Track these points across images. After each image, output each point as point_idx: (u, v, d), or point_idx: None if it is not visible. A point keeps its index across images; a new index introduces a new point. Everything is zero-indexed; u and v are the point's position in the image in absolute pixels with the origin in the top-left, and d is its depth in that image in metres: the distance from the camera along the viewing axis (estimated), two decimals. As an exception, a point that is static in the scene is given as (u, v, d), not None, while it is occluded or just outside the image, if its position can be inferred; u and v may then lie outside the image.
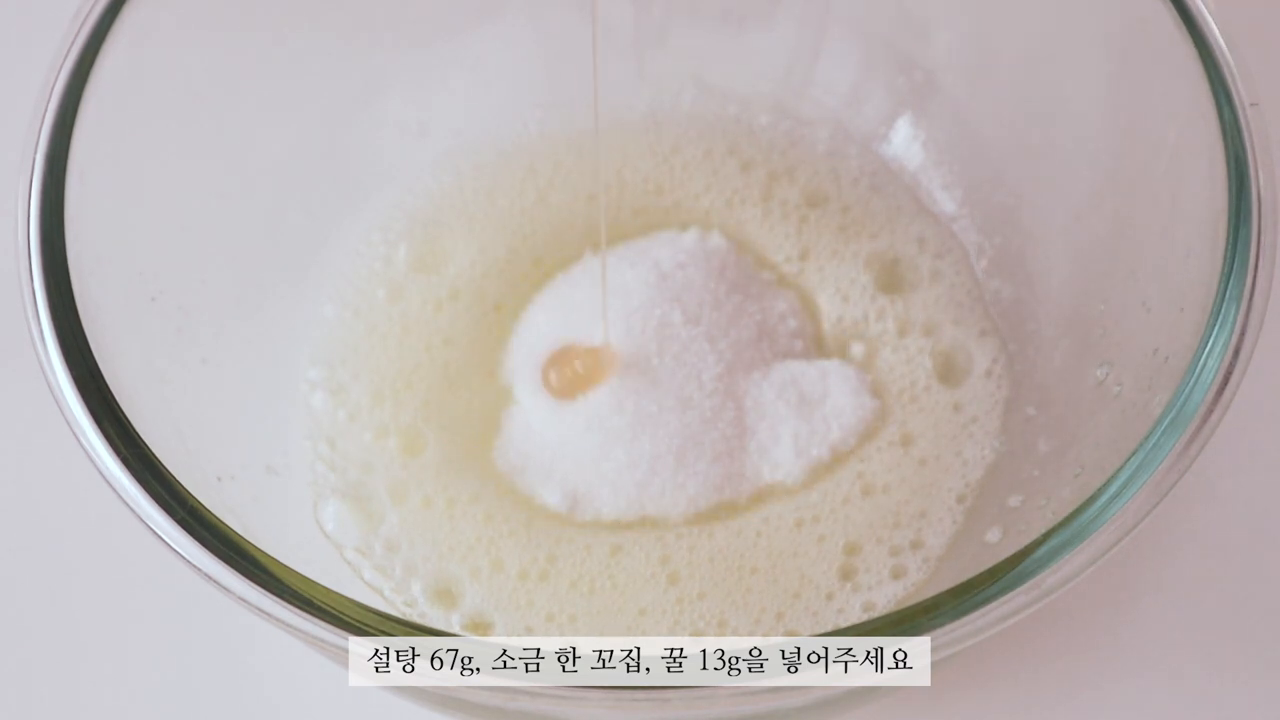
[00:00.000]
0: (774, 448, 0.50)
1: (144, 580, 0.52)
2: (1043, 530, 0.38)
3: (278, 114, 0.52)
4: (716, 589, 0.48)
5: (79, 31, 0.44)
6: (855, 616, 0.48)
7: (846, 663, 0.36)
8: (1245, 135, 0.43)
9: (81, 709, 0.51)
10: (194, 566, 0.38)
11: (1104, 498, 0.39)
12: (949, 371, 0.52)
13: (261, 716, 0.51)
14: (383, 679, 0.40)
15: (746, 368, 0.51)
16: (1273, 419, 0.54)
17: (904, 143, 0.56)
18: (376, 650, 0.37)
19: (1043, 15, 0.52)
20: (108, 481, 0.39)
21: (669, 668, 0.36)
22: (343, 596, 0.38)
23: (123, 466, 0.39)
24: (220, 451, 0.46)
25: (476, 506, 0.50)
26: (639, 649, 0.47)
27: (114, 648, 0.52)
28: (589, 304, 0.52)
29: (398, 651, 0.36)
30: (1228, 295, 0.41)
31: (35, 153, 0.43)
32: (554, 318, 0.53)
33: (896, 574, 0.49)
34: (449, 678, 0.36)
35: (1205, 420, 0.39)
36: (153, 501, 0.39)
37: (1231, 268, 0.41)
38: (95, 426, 0.39)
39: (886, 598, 0.48)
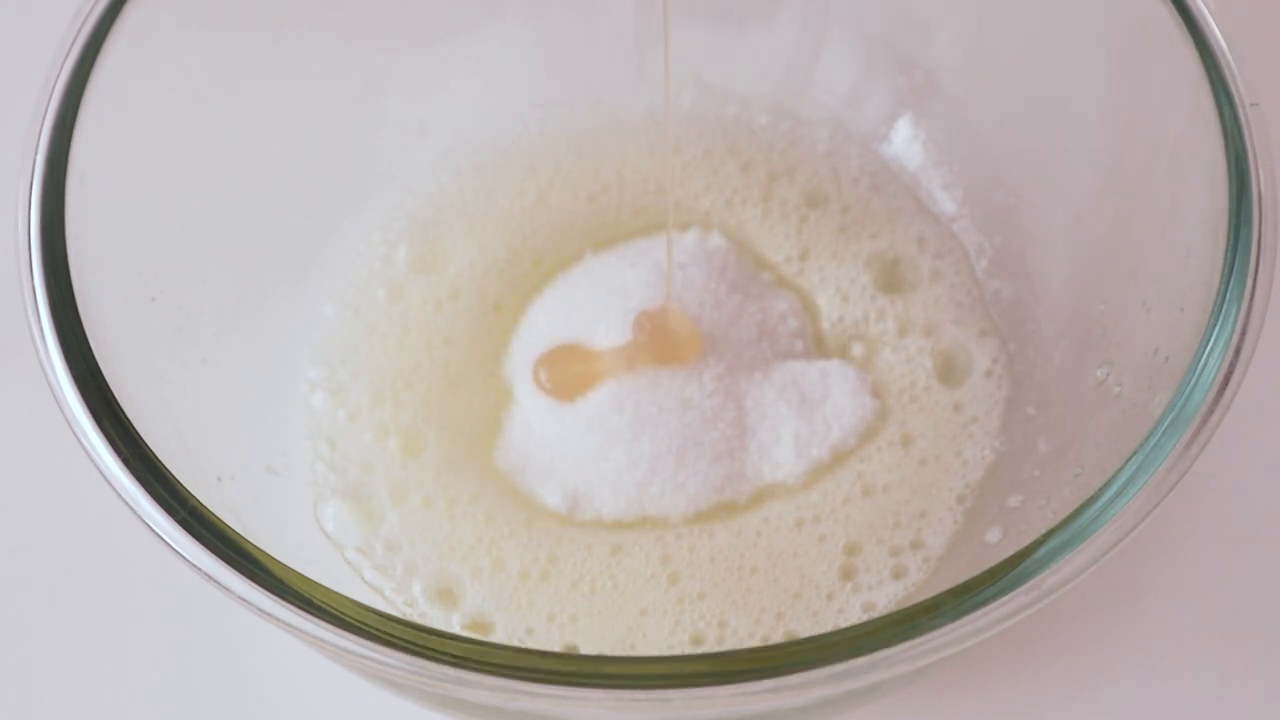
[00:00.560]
0: (774, 448, 0.50)
1: (144, 580, 0.52)
2: (1043, 530, 0.38)
3: (278, 114, 0.52)
4: (717, 589, 0.48)
5: (79, 31, 0.44)
6: (855, 616, 0.48)
7: (847, 663, 0.36)
8: (1246, 135, 0.43)
9: (81, 709, 0.51)
10: (194, 566, 0.38)
11: (1104, 498, 0.39)
12: (949, 371, 0.52)
13: (261, 716, 0.51)
14: (383, 679, 0.40)
15: (747, 368, 0.51)
16: (1273, 419, 0.54)
17: (904, 143, 0.56)
18: (376, 650, 0.37)
19: (1043, 15, 0.52)
20: (108, 481, 0.39)
21: (669, 668, 0.36)
22: (343, 596, 0.38)
23: (123, 466, 0.39)
24: (220, 451, 0.46)
25: (477, 506, 0.50)
26: (639, 649, 0.47)
27: (114, 648, 0.52)
28: (589, 304, 0.52)
29: (398, 651, 0.36)
30: (1228, 295, 0.41)
31: (35, 153, 0.43)
32: (554, 318, 0.53)
33: (897, 574, 0.49)
34: (449, 677, 0.36)
35: (1205, 420, 0.39)
36: (153, 501, 0.39)
37: (1232, 268, 0.41)
38: (95, 426, 0.39)
39: (887, 598, 0.48)
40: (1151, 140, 0.47)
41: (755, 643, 0.47)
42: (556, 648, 0.47)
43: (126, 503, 0.39)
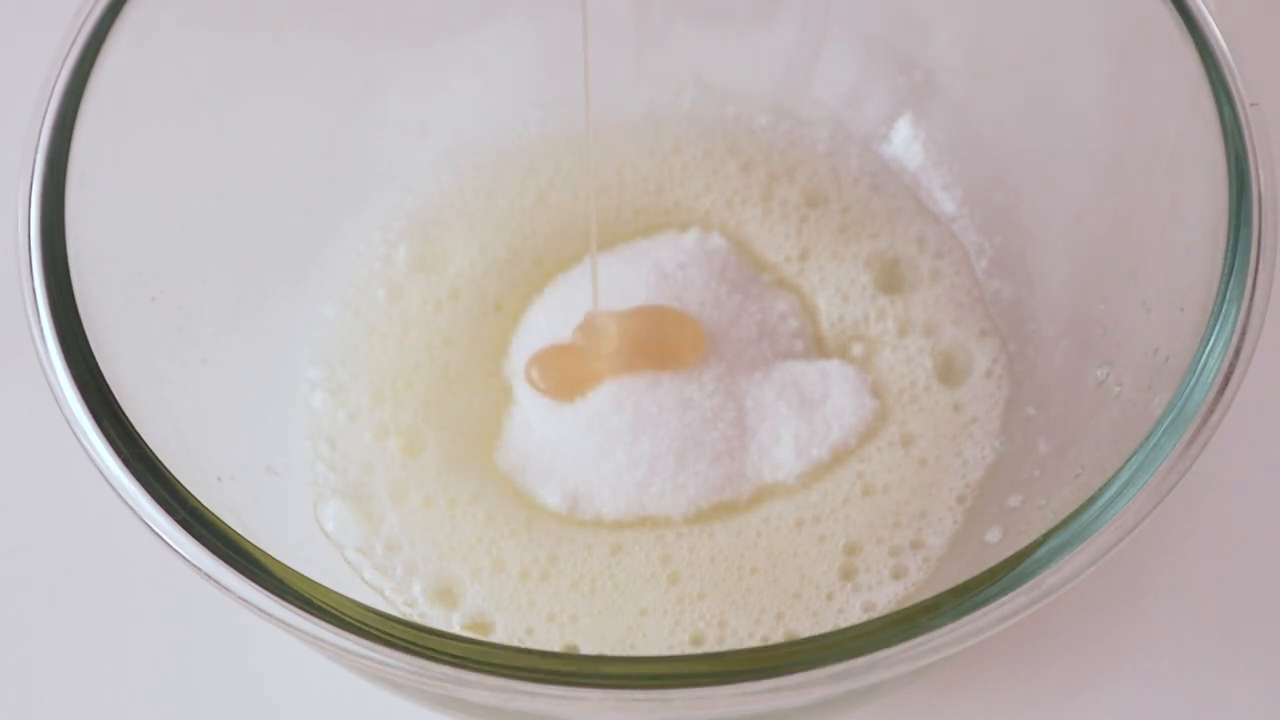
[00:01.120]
0: (774, 448, 0.50)
1: (144, 580, 0.52)
2: (1043, 530, 0.38)
3: (278, 114, 0.52)
4: (717, 589, 0.48)
5: (79, 31, 0.44)
6: (855, 616, 0.48)
7: (847, 663, 0.36)
8: (1246, 135, 0.43)
9: (81, 709, 0.51)
10: (194, 566, 0.38)
11: (1104, 498, 0.39)
12: (949, 371, 0.52)
13: (261, 716, 0.51)
14: (383, 679, 0.40)
15: (747, 368, 0.51)
16: (1273, 419, 0.54)
17: (904, 143, 0.56)
18: (376, 650, 0.37)
19: (1043, 15, 0.52)
20: (108, 481, 0.39)
21: (669, 668, 0.36)
22: (343, 596, 0.38)
23: (123, 466, 0.39)
24: (220, 451, 0.46)
25: (477, 506, 0.50)
26: (639, 649, 0.47)
27: (114, 648, 0.52)
28: (589, 304, 0.52)
29: (398, 651, 0.36)
30: (1228, 295, 0.41)
31: (35, 153, 0.43)
32: (554, 318, 0.52)
33: (897, 574, 0.49)
34: (449, 677, 0.36)
35: (1206, 420, 0.39)
36: (153, 501, 0.39)
37: (1232, 268, 0.41)
38: (95, 426, 0.39)
39: (887, 598, 0.48)
40: (1151, 140, 0.47)
41: (755, 643, 0.47)
42: (556, 648, 0.47)
43: (126, 503, 0.39)
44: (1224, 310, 0.40)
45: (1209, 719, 0.50)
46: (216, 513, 0.39)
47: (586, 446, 0.50)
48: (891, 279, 0.54)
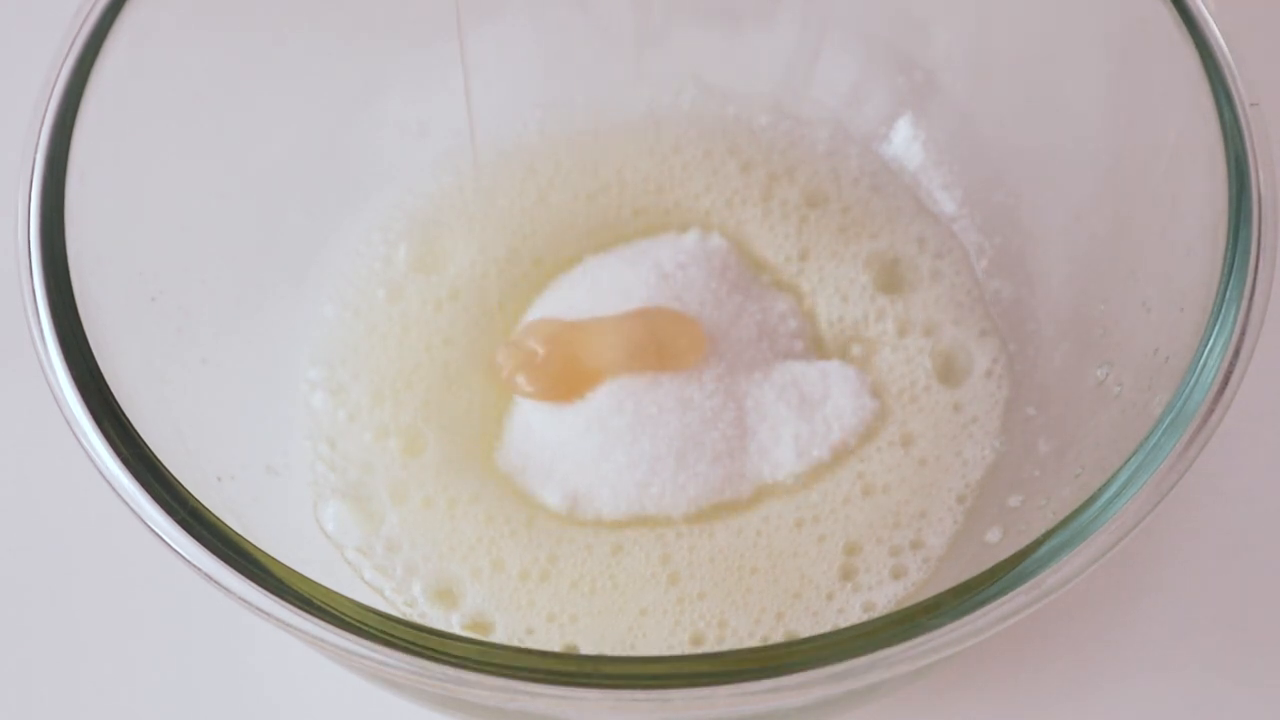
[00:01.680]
0: (774, 448, 0.50)
1: (144, 580, 0.52)
2: (1043, 530, 0.38)
3: (277, 114, 0.52)
4: (717, 589, 0.48)
5: (79, 31, 0.44)
6: (855, 616, 0.48)
7: (847, 663, 0.36)
8: (1245, 135, 0.43)
9: (81, 709, 0.51)
10: (194, 566, 0.38)
11: (1104, 498, 0.39)
12: (949, 371, 0.52)
13: (261, 716, 0.51)
14: (383, 679, 0.40)
15: (747, 368, 0.51)
16: (1273, 419, 0.54)
17: (904, 143, 0.56)
18: (376, 650, 0.37)
19: (1043, 15, 0.52)
20: (108, 481, 0.39)
21: (669, 668, 0.36)
22: (343, 596, 0.38)
23: (123, 466, 0.39)
24: (220, 451, 0.46)
25: (477, 506, 0.50)
26: (639, 649, 0.47)
27: (114, 648, 0.52)
28: (589, 304, 0.52)
29: (398, 651, 0.36)
30: (1228, 295, 0.41)
31: (35, 153, 0.43)
32: (554, 318, 0.52)
33: (897, 574, 0.49)
34: (449, 677, 0.36)
35: (1205, 420, 0.39)
36: (153, 501, 0.39)
37: (1232, 268, 0.41)
38: (95, 426, 0.39)
39: (887, 598, 0.48)
40: (1151, 140, 0.47)
41: (755, 643, 0.47)
42: (556, 648, 0.47)
43: (126, 503, 0.39)
44: (1224, 310, 0.40)
45: (1209, 719, 0.50)
46: (216, 513, 0.39)
47: (586, 447, 0.50)
48: (891, 279, 0.54)
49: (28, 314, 0.41)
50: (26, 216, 0.42)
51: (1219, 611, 0.52)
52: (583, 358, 0.51)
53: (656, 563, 0.49)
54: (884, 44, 0.56)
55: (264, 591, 0.37)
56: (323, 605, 0.37)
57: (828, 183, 0.56)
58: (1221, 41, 0.44)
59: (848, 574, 0.49)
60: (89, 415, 0.40)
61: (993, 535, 0.47)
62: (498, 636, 0.48)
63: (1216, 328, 0.40)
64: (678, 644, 0.47)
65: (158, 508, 0.38)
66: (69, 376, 0.40)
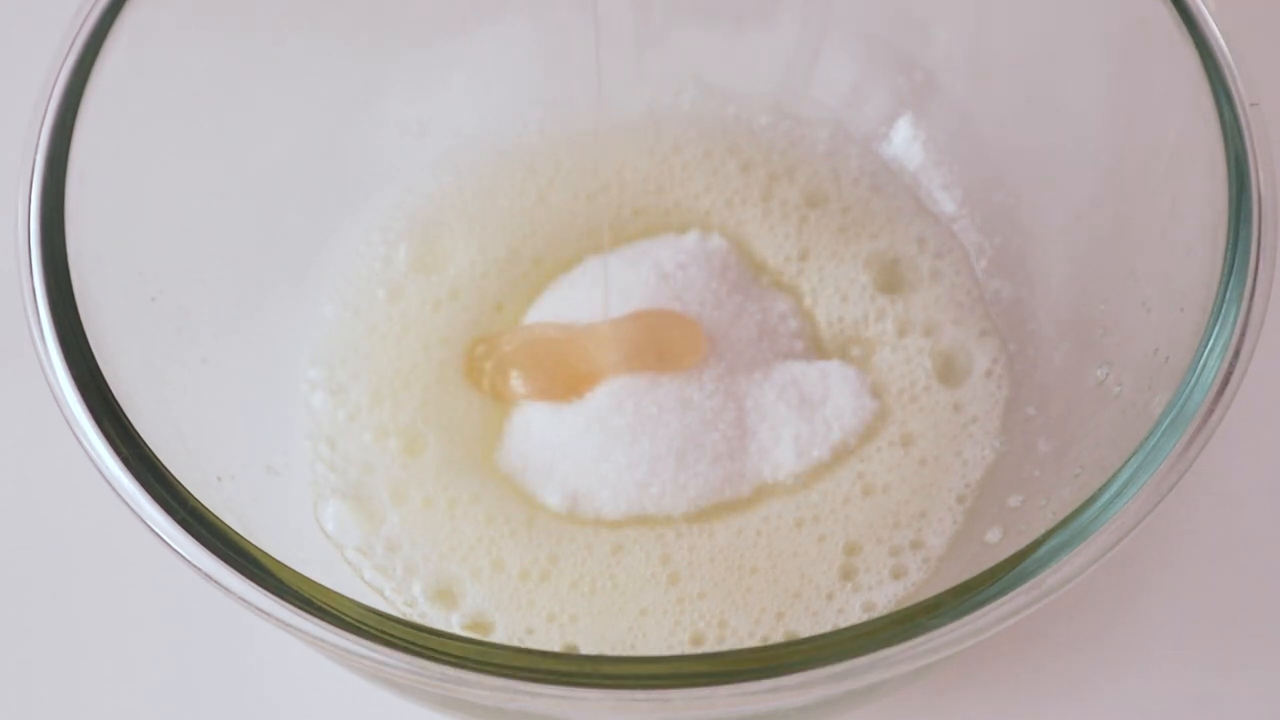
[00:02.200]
0: (774, 448, 0.50)
1: (144, 580, 0.52)
2: (1043, 530, 0.38)
3: (277, 114, 0.52)
4: (717, 589, 0.48)
5: (79, 31, 0.44)
6: (855, 616, 0.48)
7: (847, 663, 0.36)
8: (1246, 135, 0.43)
9: (81, 709, 0.51)
10: (194, 566, 0.38)
11: (1104, 498, 0.39)
12: (949, 371, 0.52)
13: (261, 716, 0.51)
14: (383, 679, 0.40)
15: (747, 368, 0.51)
16: (1273, 419, 0.54)
17: (904, 143, 0.56)
18: (376, 650, 0.37)
19: (1043, 15, 0.52)
20: (108, 481, 0.39)
21: (669, 668, 0.36)
22: (343, 596, 0.38)
23: (123, 466, 0.39)
24: (220, 451, 0.46)
25: (477, 506, 0.50)
26: (639, 649, 0.47)
27: (114, 648, 0.52)
28: (589, 304, 0.52)
29: (398, 651, 0.36)
30: (1228, 295, 0.41)
31: (35, 153, 0.43)
32: (554, 318, 0.52)
33: (897, 574, 0.49)
34: (449, 677, 0.36)
35: (1205, 420, 0.39)
36: (153, 501, 0.39)
37: (1232, 268, 0.41)
38: (95, 426, 0.39)
39: (887, 598, 0.48)
40: (1151, 140, 0.47)
41: (755, 643, 0.47)
42: (556, 648, 0.47)
43: (126, 503, 0.39)
44: (1224, 310, 0.40)
45: (1209, 719, 0.50)
46: (216, 513, 0.39)
47: (586, 447, 0.50)
48: (891, 279, 0.54)
49: (28, 314, 0.41)
50: (26, 216, 0.42)
51: (1219, 611, 0.52)
52: (576, 358, 0.51)
53: (656, 563, 0.49)
54: (884, 44, 0.56)
55: (264, 591, 0.37)
56: (323, 605, 0.37)
57: (828, 183, 0.56)
58: (1221, 41, 0.44)
59: (848, 574, 0.49)
60: (89, 415, 0.40)
61: (993, 535, 0.47)
62: (498, 636, 0.48)
63: (1216, 328, 0.40)
64: (678, 644, 0.47)
65: (158, 508, 0.38)
66: (69, 376, 0.40)
